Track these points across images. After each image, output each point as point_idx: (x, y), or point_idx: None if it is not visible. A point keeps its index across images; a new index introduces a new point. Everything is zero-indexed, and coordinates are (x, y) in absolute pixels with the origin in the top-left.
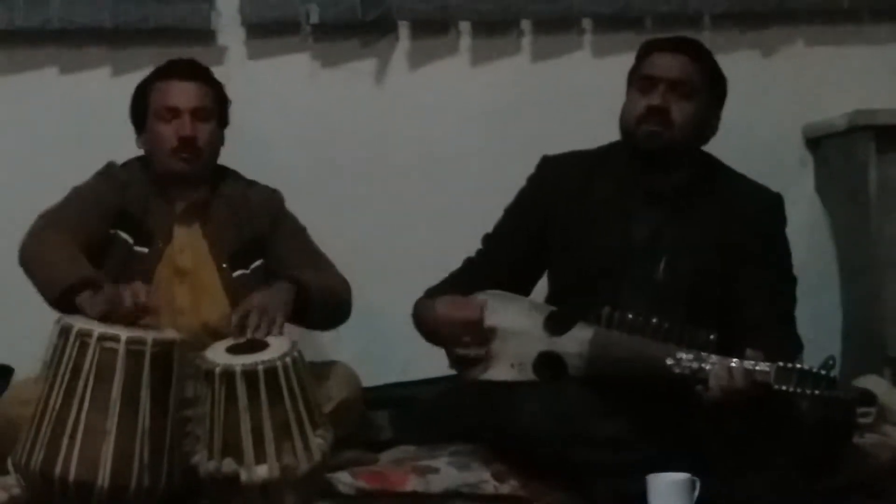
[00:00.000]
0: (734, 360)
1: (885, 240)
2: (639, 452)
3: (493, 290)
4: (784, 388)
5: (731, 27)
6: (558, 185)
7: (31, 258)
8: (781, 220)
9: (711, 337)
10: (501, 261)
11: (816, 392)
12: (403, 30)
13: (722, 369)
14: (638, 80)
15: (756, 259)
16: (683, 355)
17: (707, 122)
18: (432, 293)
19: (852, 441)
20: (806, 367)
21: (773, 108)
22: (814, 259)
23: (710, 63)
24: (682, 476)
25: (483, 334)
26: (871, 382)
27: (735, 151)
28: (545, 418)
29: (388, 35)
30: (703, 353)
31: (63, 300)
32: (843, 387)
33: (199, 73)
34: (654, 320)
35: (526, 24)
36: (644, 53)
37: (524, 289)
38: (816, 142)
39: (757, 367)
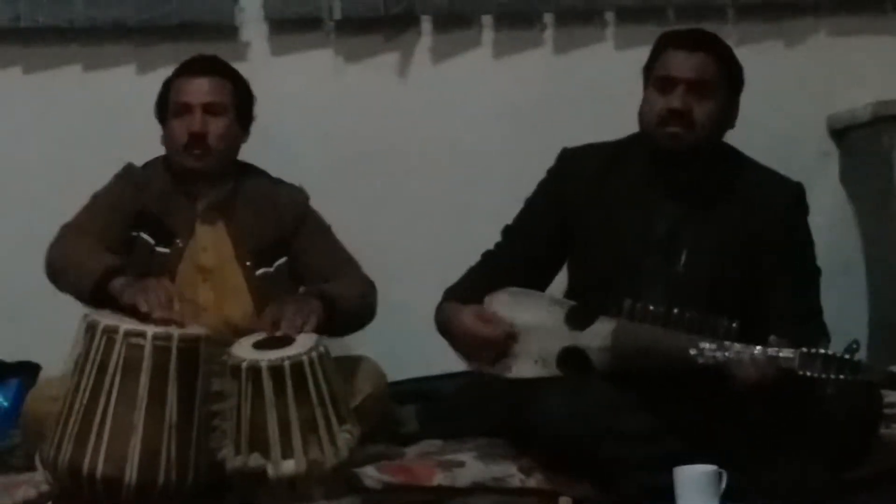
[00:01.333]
0: (757, 347)
1: None
2: (665, 446)
3: (512, 288)
4: (809, 373)
5: (755, 18)
6: (578, 177)
7: (58, 266)
8: (803, 210)
9: (734, 325)
10: (521, 254)
11: (841, 377)
12: (426, 24)
13: (745, 354)
14: (656, 79)
15: (779, 250)
16: (706, 345)
17: (727, 116)
18: (452, 291)
19: (878, 432)
20: (830, 352)
21: (796, 99)
22: (839, 249)
23: (727, 56)
24: (708, 468)
25: (503, 353)
26: None
27: (759, 142)
28: (571, 413)
29: (410, 29)
30: (726, 342)
31: (96, 294)
32: (869, 369)
33: (215, 69)
34: (676, 311)
35: (548, 17)
36: (660, 50)
37: (543, 281)
38: (840, 132)
39: (781, 354)
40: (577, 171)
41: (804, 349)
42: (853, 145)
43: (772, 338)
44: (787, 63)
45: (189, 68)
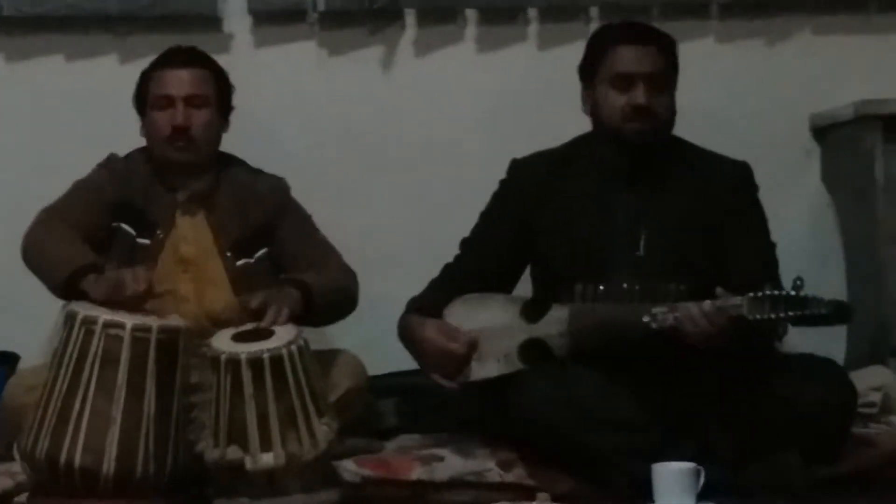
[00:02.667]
0: (706, 301)
1: (891, 230)
2: (647, 436)
3: (466, 295)
4: (758, 316)
5: (738, 16)
6: (532, 183)
7: (34, 251)
8: (753, 186)
9: (682, 287)
10: (480, 265)
11: (790, 314)
12: (410, 17)
13: (695, 310)
14: (613, 77)
15: (735, 225)
16: (658, 310)
17: (674, 104)
18: (415, 303)
19: (851, 428)
20: (776, 292)
21: (779, 98)
22: (819, 249)
23: (671, 44)
24: (686, 465)
25: (462, 368)
26: (877, 373)
27: (741, 141)
28: (554, 404)
29: (394, 23)
30: (677, 304)
31: (67, 287)
32: (816, 302)
33: (195, 60)
34: (625, 285)
35: (532, 12)
36: (604, 47)
37: (504, 290)
38: (823, 131)
39: (729, 303)
40: (529, 178)
41: (750, 294)
42: (836, 144)
43: (718, 290)
44: (770, 61)
45: (168, 60)
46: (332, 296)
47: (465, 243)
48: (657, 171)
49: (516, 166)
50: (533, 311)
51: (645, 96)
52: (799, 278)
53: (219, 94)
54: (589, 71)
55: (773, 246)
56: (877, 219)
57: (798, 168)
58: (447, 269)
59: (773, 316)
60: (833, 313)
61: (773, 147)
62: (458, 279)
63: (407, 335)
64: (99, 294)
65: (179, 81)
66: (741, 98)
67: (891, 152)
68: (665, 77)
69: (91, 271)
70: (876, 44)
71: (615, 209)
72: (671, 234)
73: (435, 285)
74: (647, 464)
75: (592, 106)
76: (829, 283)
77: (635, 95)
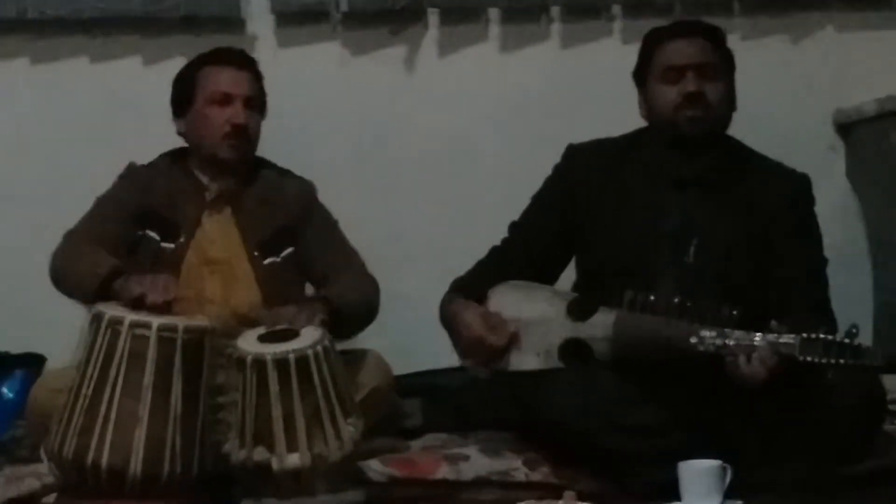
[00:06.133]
0: (758, 334)
1: None
2: (671, 440)
3: (514, 281)
4: (809, 359)
5: (762, 12)
6: (586, 173)
7: (63, 273)
8: (810, 201)
9: (734, 312)
10: (528, 249)
11: (842, 361)
12: (433, 17)
13: (746, 344)
14: (662, 72)
15: (787, 240)
16: (707, 333)
17: (732, 97)
18: (459, 283)
19: (882, 427)
20: (830, 336)
21: (803, 94)
22: (844, 244)
23: (721, 38)
24: (712, 463)
25: (498, 359)
26: None
27: (765, 137)
28: (578, 406)
29: (417, 22)
30: (726, 330)
31: (100, 295)
32: (870, 352)
33: (250, 64)
34: (677, 300)
35: (555, 11)
36: (654, 46)
37: (549, 277)
38: (847, 127)
39: (781, 340)
40: (584, 167)
41: (804, 334)
42: (859, 140)
43: (773, 323)
44: (793, 58)
45: (226, 59)
46: (357, 311)
47: (513, 227)
48: (712, 175)
49: (572, 153)
50: (580, 310)
51: (695, 83)
52: (854, 326)
53: (263, 102)
54: (641, 73)
55: (824, 263)
56: None
57: (823, 164)
58: (493, 251)
59: (824, 361)
60: (884, 366)
61: (797, 144)
62: (504, 263)
63: (448, 317)
64: (126, 293)
65: (239, 81)
66: (765, 95)
67: None
68: (715, 66)
69: (120, 275)
70: None
71: (667, 211)
72: (722, 243)
73: (480, 267)
74: (668, 468)
75: (646, 105)
76: (854, 279)
77: (686, 83)
